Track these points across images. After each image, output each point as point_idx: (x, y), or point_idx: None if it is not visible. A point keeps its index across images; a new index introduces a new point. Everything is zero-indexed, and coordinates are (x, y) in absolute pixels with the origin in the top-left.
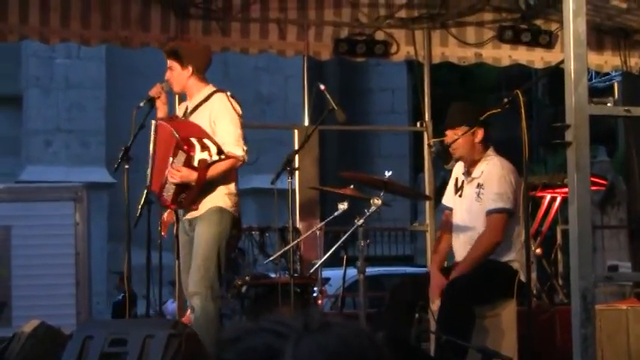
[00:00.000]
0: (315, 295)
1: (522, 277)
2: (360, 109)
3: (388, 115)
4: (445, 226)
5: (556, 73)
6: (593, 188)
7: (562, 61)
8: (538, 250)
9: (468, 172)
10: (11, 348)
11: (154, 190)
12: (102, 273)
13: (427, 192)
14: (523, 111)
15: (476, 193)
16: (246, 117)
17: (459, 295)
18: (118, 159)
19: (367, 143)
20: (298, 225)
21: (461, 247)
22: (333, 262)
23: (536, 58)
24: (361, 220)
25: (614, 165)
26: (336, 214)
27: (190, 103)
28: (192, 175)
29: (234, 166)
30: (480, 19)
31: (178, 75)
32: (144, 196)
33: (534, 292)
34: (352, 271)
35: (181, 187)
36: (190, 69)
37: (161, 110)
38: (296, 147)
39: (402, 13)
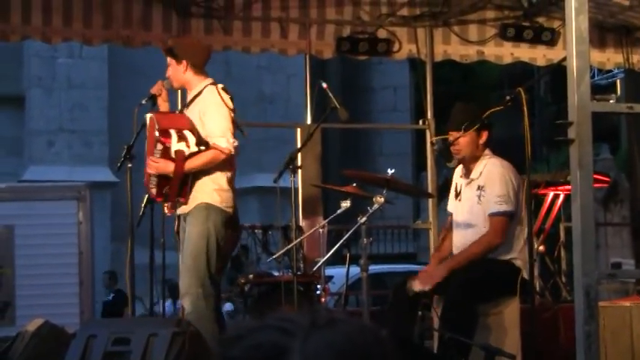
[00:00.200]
0: (318, 293)
1: (525, 275)
2: (362, 108)
3: (390, 113)
4: (448, 228)
5: (558, 70)
6: (596, 185)
7: (564, 59)
8: (541, 248)
9: (466, 174)
10: (15, 347)
11: (145, 184)
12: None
13: (430, 190)
14: (525, 109)
15: (477, 195)
16: (249, 116)
17: (462, 293)
18: (121, 158)
19: (370, 141)
20: (301, 223)
21: (462, 247)
22: (336, 260)
23: (539, 55)
24: (364, 218)
25: (617, 162)
26: (338, 212)
27: (188, 98)
28: (169, 167)
29: (216, 158)
30: (482, 16)
31: (175, 70)
32: (147, 195)
33: (537, 289)
34: (355, 269)
35: (163, 179)
36: (185, 63)
37: (162, 107)
38: (298, 145)
39: (404, 11)
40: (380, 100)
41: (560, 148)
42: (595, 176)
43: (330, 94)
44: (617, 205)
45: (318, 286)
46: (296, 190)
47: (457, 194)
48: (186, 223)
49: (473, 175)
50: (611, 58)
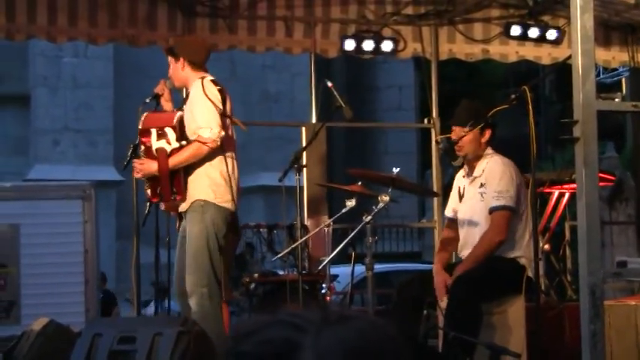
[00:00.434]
0: (323, 292)
1: (530, 274)
2: (367, 106)
3: (395, 112)
4: (448, 230)
5: (563, 69)
6: (601, 184)
7: (569, 57)
8: (546, 247)
9: (469, 173)
10: (20, 346)
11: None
12: (110, 271)
13: (435, 189)
14: (530, 107)
15: (479, 193)
16: (254, 115)
17: (466, 291)
18: (126, 157)
19: (375, 140)
20: (306, 222)
21: (468, 247)
22: (341, 259)
23: (544, 54)
24: (369, 217)
25: (623, 161)
26: (343, 211)
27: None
28: (153, 166)
29: (200, 150)
30: (487, 15)
31: (174, 69)
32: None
33: (542, 288)
34: (360, 268)
35: (154, 179)
36: (182, 61)
37: (165, 107)
38: (303, 144)
39: (409, 10)
40: (385, 98)
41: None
42: (600, 175)
43: (335, 93)
44: (623, 203)
45: (324, 285)
46: (301, 189)
47: (461, 196)
48: (186, 222)
49: (475, 174)
50: (616, 56)
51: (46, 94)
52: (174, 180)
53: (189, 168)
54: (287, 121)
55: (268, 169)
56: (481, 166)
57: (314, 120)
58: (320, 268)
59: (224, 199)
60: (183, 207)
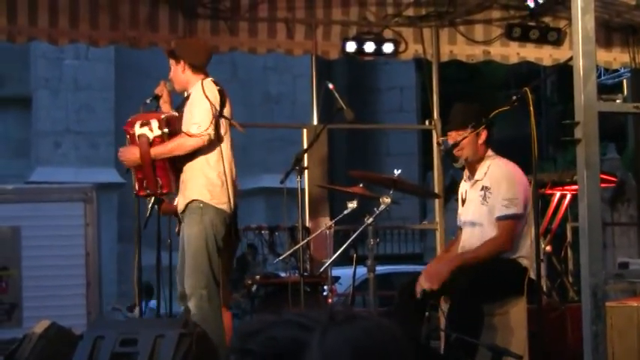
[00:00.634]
0: (325, 293)
1: (532, 275)
2: (368, 108)
3: (397, 113)
4: (457, 239)
5: (565, 70)
6: (603, 185)
7: (570, 59)
8: (548, 248)
9: (470, 176)
10: (22, 349)
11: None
12: (112, 273)
13: (436, 190)
14: (532, 108)
15: (481, 196)
16: (255, 116)
17: (468, 293)
18: None
19: (376, 142)
20: (308, 224)
21: (469, 248)
22: (342, 261)
23: (545, 55)
24: (371, 219)
25: (624, 162)
26: (345, 212)
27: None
28: (136, 152)
29: (184, 142)
30: (487, 16)
31: (175, 71)
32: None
33: (544, 289)
34: (362, 270)
35: (138, 171)
36: (183, 63)
37: (164, 108)
38: (305, 146)
39: (410, 12)
40: (386, 100)
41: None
42: (602, 176)
43: (337, 95)
44: (625, 204)
45: (325, 287)
46: (302, 190)
47: (463, 200)
48: (184, 224)
49: (477, 176)
50: (617, 57)
51: (48, 96)
52: (158, 170)
53: (186, 167)
54: (288, 122)
55: (270, 171)
56: (482, 169)
57: (315, 122)
58: (322, 270)
59: (221, 200)
60: (179, 207)
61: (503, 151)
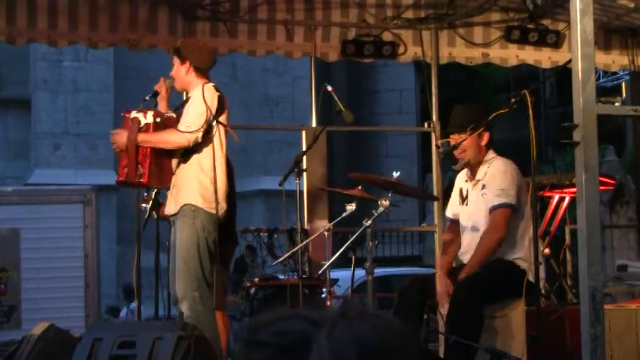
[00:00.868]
0: (323, 296)
1: (531, 277)
2: (368, 110)
3: (396, 115)
4: (449, 233)
5: (564, 72)
6: (602, 188)
7: (569, 61)
8: (547, 250)
9: (471, 177)
10: (21, 350)
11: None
12: (111, 275)
13: (435, 192)
14: (531, 111)
15: (481, 194)
16: (254, 119)
17: (467, 295)
18: None
19: (375, 144)
20: (307, 226)
21: (469, 249)
22: (341, 263)
23: (544, 57)
24: (369, 221)
25: (623, 164)
26: (344, 214)
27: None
28: (124, 134)
29: (172, 137)
30: (487, 19)
31: (177, 70)
32: (152, 198)
33: (543, 292)
34: (361, 272)
35: (124, 158)
36: (188, 64)
37: (161, 105)
38: (304, 148)
39: (409, 14)
40: (385, 102)
41: (566, 150)
42: (601, 178)
43: (336, 97)
44: (623, 207)
45: (324, 290)
46: (301, 192)
47: (463, 199)
48: (175, 227)
49: (478, 176)
50: (616, 60)
51: (47, 98)
52: (140, 156)
53: (180, 171)
54: (287, 124)
55: (269, 173)
56: (483, 169)
57: (314, 124)
58: (320, 272)
59: (212, 205)
60: (170, 210)
61: (502, 153)
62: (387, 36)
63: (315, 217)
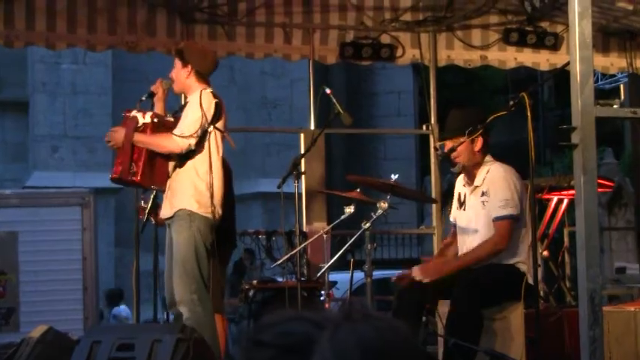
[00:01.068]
0: (322, 298)
1: (530, 280)
2: (366, 113)
3: (394, 118)
4: (450, 239)
5: (562, 75)
6: (600, 190)
7: (568, 63)
8: (545, 253)
9: (469, 182)
10: (19, 353)
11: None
12: (109, 278)
13: (434, 195)
14: (529, 113)
15: (481, 201)
16: (253, 121)
17: (466, 297)
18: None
19: (373, 146)
20: (305, 229)
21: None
22: (340, 266)
23: (542, 60)
24: (368, 224)
25: (622, 167)
26: (342, 217)
27: (182, 102)
28: (122, 132)
29: (163, 142)
30: (485, 21)
31: (178, 72)
32: (150, 200)
33: (542, 294)
34: (359, 275)
35: (120, 155)
36: (190, 68)
37: (157, 106)
38: (302, 150)
39: (408, 16)
40: (384, 104)
41: (564, 152)
42: (599, 181)
43: (334, 100)
44: (622, 209)
45: (322, 292)
46: (300, 195)
47: (461, 203)
48: (171, 231)
49: (476, 182)
50: (614, 62)
51: (45, 100)
52: (135, 154)
53: (176, 175)
54: (286, 127)
55: (267, 176)
56: (481, 174)
57: (313, 126)
58: (319, 274)
59: (208, 209)
60: (165, 213)
61: (500, 156)
62: (385, 38)
63: (314, 220)
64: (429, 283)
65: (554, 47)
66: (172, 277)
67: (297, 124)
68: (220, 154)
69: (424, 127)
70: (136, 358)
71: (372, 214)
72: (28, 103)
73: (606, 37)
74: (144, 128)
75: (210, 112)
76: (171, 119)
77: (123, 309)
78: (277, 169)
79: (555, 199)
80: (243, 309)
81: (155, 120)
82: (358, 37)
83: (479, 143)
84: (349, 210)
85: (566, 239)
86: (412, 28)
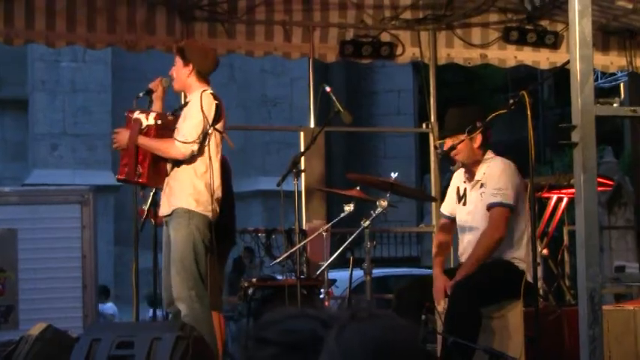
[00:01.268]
0: (321, 296)
1: (529, 278)
2: (366, 111)
3: (394, 116)
4: (443, 232)
5: (562, 73)
6: (600, 189)
7: (568, 62)
8: (545, 251)
9: (469, 178)
10: (19, 351)
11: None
12: (108, 276)
13: (433, 193)
14: (529, 112)
15: (479, 193)
16: (253, 119)
17: (465, 296)
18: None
19: (373, 145)
20: (305, 227)
21: (468, 248)
22: (339, 264)
23: (542, 58)
24: (367, 222)
25: (621, 165)
26: (342, 215)
27: (182, 102)
28: (127, 134)
29: (167, 149)
30: (485, 20)
31: (178, 71)
32: (150, 198)
33: (541, 292)
34: (359, 273)
35: (125, 156)
36: (191, 67)
37: (155, 104)
38: (302, 149)
39: (408, 15)
40: (384, 103)
41: (564, 151)
42: (599, 179)
43: (334, 98)
44: (622, 208)
45: (322, 290)
46: (299, 193)
47: (460, 198)
48: (169, 228)
49: (477, 177)
50: (614, 61)
51: (45, 98)
52: (140, 156)
53: (174, 173)
54: (286, 125)
55: (267, 174)
56: (482, 170)
57: (312, 124)
58: (318, 272)
59: (207, 208)
60: (164, 211)
61: (500, 154)
62: (385, 37)
63: (314, 218)
64: (429, 282)
65: (554, 46)
66: (170, 274)
67: (296, 123)
68: (219, 155)
69: (424, 126)
70: (136, 355)
71: (372, 212)
72: (27, 101)
73: (606, 35)
74: (147, 130)
75: (210, 115)
76: (171, 118)
77: (109, 306)
78: (277, 167)
79: (555, 197)
80: (242, 307)
81: (159, 122)
82: (358, 36)
83: (478, 140)
84: (349, 208)
85: (565, 238)
86: (412, 26)
